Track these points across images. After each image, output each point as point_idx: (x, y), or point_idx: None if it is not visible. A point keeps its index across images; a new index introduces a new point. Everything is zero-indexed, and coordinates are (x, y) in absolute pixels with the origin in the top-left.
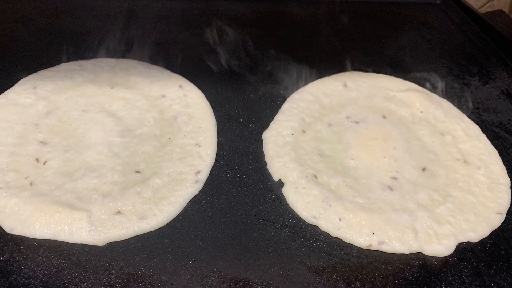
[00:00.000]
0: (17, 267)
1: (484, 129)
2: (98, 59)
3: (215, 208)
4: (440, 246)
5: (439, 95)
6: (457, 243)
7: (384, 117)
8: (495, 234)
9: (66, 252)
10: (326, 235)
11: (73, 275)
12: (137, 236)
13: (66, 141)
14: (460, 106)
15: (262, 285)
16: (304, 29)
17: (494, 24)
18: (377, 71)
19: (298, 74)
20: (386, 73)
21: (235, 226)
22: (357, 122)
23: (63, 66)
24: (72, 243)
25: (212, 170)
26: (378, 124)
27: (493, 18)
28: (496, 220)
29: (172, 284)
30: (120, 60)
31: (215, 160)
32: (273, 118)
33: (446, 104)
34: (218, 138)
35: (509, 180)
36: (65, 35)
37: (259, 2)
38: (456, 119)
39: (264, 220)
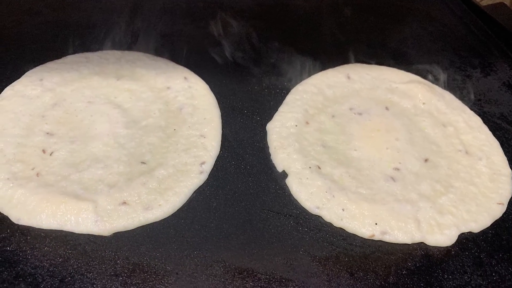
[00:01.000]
0: (24, 256)
1: (486, 121)
2: (104, 51)
3: (219, 199)
4: (442, 236)
5: (441, 87)
6: (459, 233)
7: (387, 108)
8: (497, 224)
9: (72, 242)
10: (330, 225)
11: (79, 264)
12: (143, 226)
13: (72, 132)
14: (462, 97)
15: (266, 275)
16: (308, 22)
17: (496, 17)
18: (380, 63)
19: (302, 66)
20: (388, 65)
21: (239, 216)
22: (360, 114)
23: (69, 58)
24: (78, 233)
25: (216, 161)
26: (381, 115)
27: (494, 10)
28: (497, 211)
29: (177, 273)
30: (126, 52)
31: (220, 151)
32: (277, 110)
33: (448, 96)
34: (222, 129)
35: (510, 170)
36: (71, 27)
37: None
38: (458, 110)
39: (268, 210)
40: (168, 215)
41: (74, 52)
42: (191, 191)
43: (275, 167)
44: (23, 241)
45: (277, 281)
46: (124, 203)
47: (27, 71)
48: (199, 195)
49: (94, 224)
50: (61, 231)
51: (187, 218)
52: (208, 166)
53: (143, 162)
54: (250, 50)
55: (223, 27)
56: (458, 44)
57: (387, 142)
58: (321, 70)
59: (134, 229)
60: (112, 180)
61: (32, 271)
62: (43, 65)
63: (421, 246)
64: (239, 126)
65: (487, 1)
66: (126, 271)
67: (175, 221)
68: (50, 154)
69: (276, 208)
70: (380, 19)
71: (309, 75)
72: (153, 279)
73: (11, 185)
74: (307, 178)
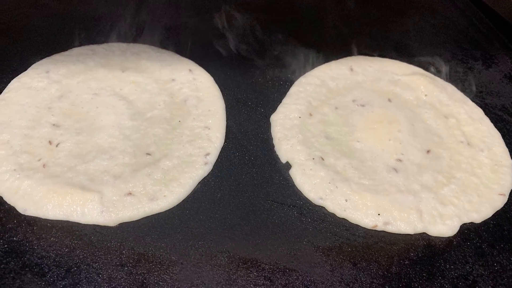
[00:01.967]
0: (30, 247)
1: (487, 112)
2: (110, 44)
3: (224, 190)
4: (444, 227)
5: (443, 79)
6: (460, 224)
7: (389, 100)
8: (498, 215)
9: (78, 232)
10: (333, 216)
11: (85, 255)
12: (148, 217)
13: (78, 124)
14: (464, 89)
15: (270, 265)
16: (311, 15)
17: (497, 10)
18: (382, 55)
19: (305, 58)
20: (391, 57)
21: (244, 207)
22: (363, 106)
23: (75, 50)
24: (84, 224)
25: (221, 152)
26: (384, 107)
27: (496, 3)
28: (499, 201)
29: (182, 263)
30: (131, 44)
31: (224, 143)
32: (280, 102)
33: (450, 88)
34: (227, 121)
35: (511, 162)
36: (77, 20)
37: None
38: (460, 102)
39: (272, 201)
40: (173, 206)
41: (80, 45)
42: (196, 182)
43: (278, 158)
44: (30, 232)
45: (280, 271)
46: (130, 194)
47: (33, 63)
48: (204, 186)
49: (100, 214)
50: (67, 222)
51: (192, 208)
52: (212, 157)
53: (148, 154)
54: (254, 42)
55: (227, 20)
56: (460, 36)
57: (389, 133)
58: (324, 62)
59: (139, 219)
60: (118, 171)
61: (39, 261)
62: (49, 57)
63: (423, 236)
64: (243, 117)
65: None
66: (132, 261)
67: (180, 211)
68: (56, 146)
69: (280, 199)
70: (382, 11)
71: (313, 67)
72: (158, 269)
73: (18, 176)
74: (311, 169)
